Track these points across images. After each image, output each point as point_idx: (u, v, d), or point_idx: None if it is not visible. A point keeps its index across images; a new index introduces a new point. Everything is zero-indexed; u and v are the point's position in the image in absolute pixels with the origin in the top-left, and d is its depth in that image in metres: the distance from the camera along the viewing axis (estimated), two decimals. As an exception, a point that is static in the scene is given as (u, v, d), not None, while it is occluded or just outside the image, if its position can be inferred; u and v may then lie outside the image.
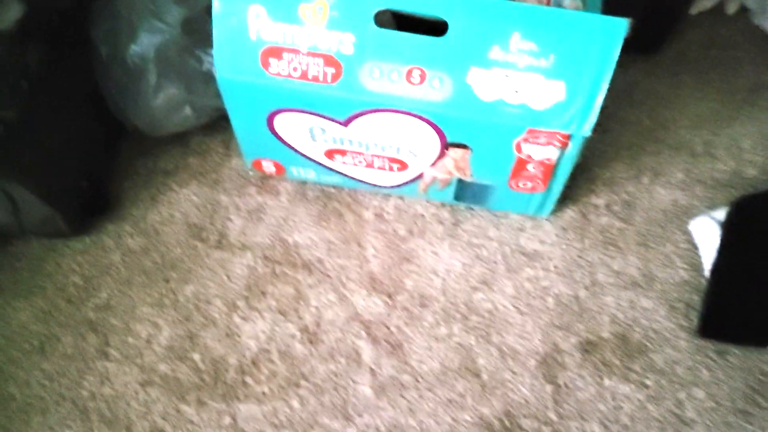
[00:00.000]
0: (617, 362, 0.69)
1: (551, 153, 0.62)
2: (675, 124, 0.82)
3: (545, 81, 0.56)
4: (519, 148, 0.62)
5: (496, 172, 0.67)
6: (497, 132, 0.60)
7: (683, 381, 0.68)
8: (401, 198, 0.77)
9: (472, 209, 0.77)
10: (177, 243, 0.75)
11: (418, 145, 0.65)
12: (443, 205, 0.77)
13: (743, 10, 0.88)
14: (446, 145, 0.64)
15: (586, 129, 0.58)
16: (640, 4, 0.77)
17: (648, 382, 0.68)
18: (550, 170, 0.65)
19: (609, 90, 0.83)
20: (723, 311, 0.69)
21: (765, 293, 0.69)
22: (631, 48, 0.84)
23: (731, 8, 0.88)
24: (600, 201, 0.78)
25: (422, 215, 0.77)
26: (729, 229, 0.71)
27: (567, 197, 0.77)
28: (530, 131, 0.60)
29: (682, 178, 0.78)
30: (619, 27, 0.54)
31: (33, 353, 0.70)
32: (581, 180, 0.78)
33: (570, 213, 0.77)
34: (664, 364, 0.69)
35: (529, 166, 0.65)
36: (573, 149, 0.62)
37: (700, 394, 0.68)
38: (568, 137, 0.59)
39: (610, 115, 0.82)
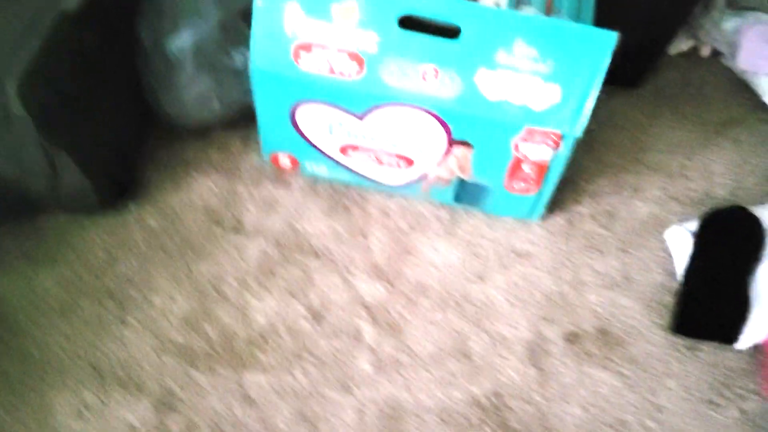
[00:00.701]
0: (597, 352, 0.75)
1: (545, 153, 0.70)
2: (653, 148, 0.90)
3: (544, 84, 0.64)
4: (516, 147, 0.70)
5: (495, 171, 0.74)
6: (498, 130, 0.68)
7: (657, 371, 0.75)
8: (404, 197, 0.84)
9: (469, 211, 0.84)
10: (195, 225, 0.81)
11: (426, 141, 0.72)
12: (443, 206, 0.84)
13: (716, 53, 0.98)
14: (451, 142, 0.72)
15: (578, 130, 0.66)
16: (624, 40, 0.87)
17: (625, 371, 0.74)
18: (543, 171, 0.73)
19: (594, 115, 0.92)
20: (694, 311, 0.76)
21: (730, 296, 0.76)
22: (614, 80, 0.94)
23: (705, 51, 0.98)
24: (585, 210, 0.85)
25: (423, 214, 0.83)
26: (700, 238, 0.79)
27: (555, 206, 0.84)
28: (528, 130, 0.67)
29: (658, 195, 0.86)
30: (610, 39, 0.63)
31: (54, 316, 0.74)
32: (568, 191, 0.86)
33: (558, 219, 0.84)
34: (640, 356, 0.75)
35: (525, 166, 0.72)
36: (564, 150, 0.69)
37: (671, 384, 0.74)
38: (561, 137, 0.67)
39: (595, 137, 0.90)
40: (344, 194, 0.84)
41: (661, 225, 0.84)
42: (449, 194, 0.81)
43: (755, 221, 0.79)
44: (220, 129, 0.86)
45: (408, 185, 0.80)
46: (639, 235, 0.83)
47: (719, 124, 0.93)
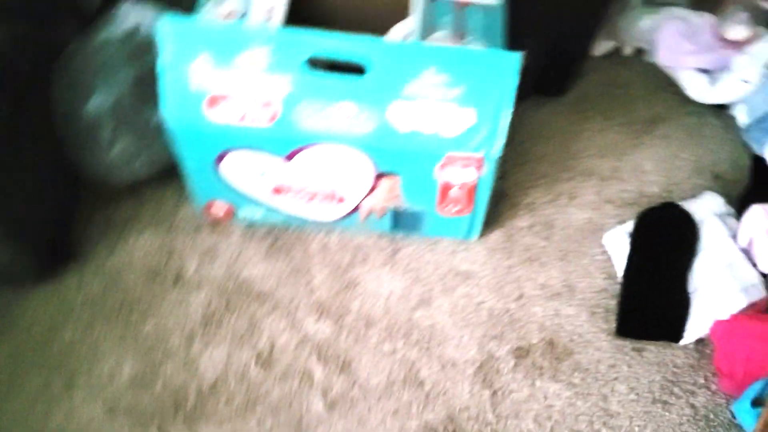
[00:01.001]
0: (547, 364, 0.76)
1: (470, 175, 0.70)
2: (584, 154, 0.92)
3: (458, 109, 0.65)
4: (441, 174, 0.71)
5: (425, 197, 0.75)
6: (419, 159, 0.69)
7: (606, 377, 0.76)
8: (343, 231, 0.84)
9: (408, 237, 0.84)
10: (136, 284, 0.80)
11: (354, 176, 0.72)
12: (382, 235, 0.84)
13: (639, 51, 1.00)
14: (378, 175, 0.72)
15: (496, 151, 0.67)
16: (542, 51, 0.89)
17: (575, 381, 0.75)
18: (472, 192, 0.74)
19: (524, 128, 0.94)
20: (636, 311, 0.77)
21: (670, 293, 0.77)
22: (540, 92, 0.96)
23: (627, 50, 1.00)
24: (523, 223, 0.86)
25: (363, 245, 0.84)
26: (636, 239, 0.80)
27: (493, 222, 0.85)
28: (448, 157, 0.68)
29: (594, 200, 0.88)
30: (514, 60, 0.64)
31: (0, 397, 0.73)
32: (504, 207, 0.87)
33: (496, 235, 0.85)
34: (589, 364, 0.76)
35: (453, 190, 0.73)
36: (488, 171, 0.70)
37: (622, 388, 0.75)
38: (482, 160, 0.68)
39: (526, 150, 0.92)
40: (283, 235, 0.84)
41: (599, 229, 0.85)
42: (386, 223, 0.81)
43: (687, 216, 0.80)
44: (152, 184, 0.86)
45: (344, 219, 0.81)
46: (578, 242, 0.84)
47: (647, 122, 0.95)
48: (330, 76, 0.65)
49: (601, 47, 1.00)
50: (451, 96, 0.64)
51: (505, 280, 0.82)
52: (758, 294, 0.75)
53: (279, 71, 0.65)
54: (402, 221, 0.81)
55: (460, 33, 0.74)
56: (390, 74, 0.65)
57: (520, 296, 0.81)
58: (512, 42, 0.78)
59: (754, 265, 0.77)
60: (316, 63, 0.66)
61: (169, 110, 0.68)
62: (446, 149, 0.67)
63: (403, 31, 0.74)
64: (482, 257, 0.83)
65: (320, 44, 0.64)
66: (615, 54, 1.01)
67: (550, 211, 0.87)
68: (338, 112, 0.66)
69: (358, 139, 0.67)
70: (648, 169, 0.90)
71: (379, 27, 0.78)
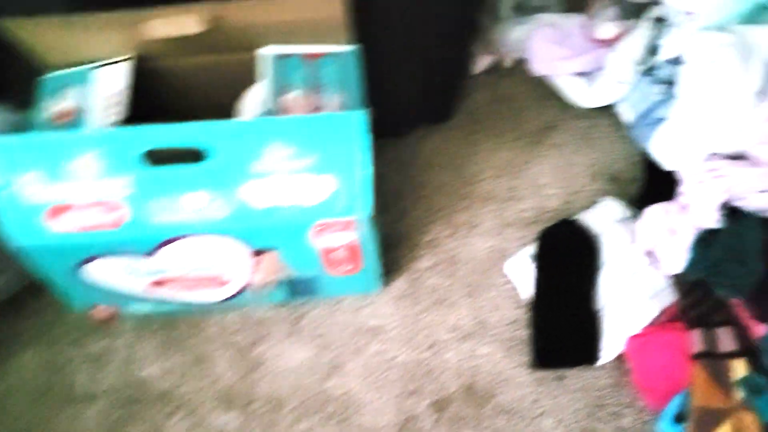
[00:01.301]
0: (469, 412, 0.73)
1: (347, 237, 0.67)
2: (479, 177, 0.89)
3: (314, 177, 0.61)
4: (317, 241, 0.67)
5: (311, 264, 0.71)
6: (286, 233, 0.65)
7: (532, 414, 0.72)
8: (241, 308, 0.80)
9: (309, 301, 0.80)
10: (24, 411, 0.75)
11: (229, 258, 0.68)
12: (282, 304, 0.80)
13: (519, 62, 0.97)
14: (256, 252, 0.68)
15: (365, 211, 0.63)
16: (416, 81, 0.85)
17: (500, 424, 0.72)
18: (356, 252, 0.70)
19: (416, 161, 0.90)
20: (548, 339, 0.74)
21: (578, 314, 0.74)
22: (426, 120, 0.93)
23: (508, 62, 0.97)
24: (425, 264, 0.83)
25: (264, 319, 0.79)
26: (538, 261, 0.77)
27: (395, 268, 0.82)
28: (317, 225, 0.64)
29: (494, 225, 0.85)
30: (360, 117, 0.60)
31: None
32: (405, 249, 0.83)
33: (401, 282, 0.81)
34: (512, 403, 0.73)
35: (336, 253, 0.69)
36: (366, 229, 0.66)
37: (548, 422, 0.72)
38: (352, 222, 0.64)
39: (422, 184, 0.88)
40: (177, 324, 0.79)
41: (503, 256, 0.82)
42: (283, 292, 0.77)
43: (583, 232, 0.78)
44: (30, 293, 0.80)
45: (236, 297, 0.76)
46: (483, 274, 0.81)
47: (537, 134, 0.92)
48: (171, 168, 0.60)
49: (481, 63, 0.97)
50: (302, 166, 0.61)
51: (416, 328, 0.78)
52: (668, 298, 0.73)
53: (116, 172, 0.60)
54: (297, 288, 0.76)
55: (315, 88, 0.70)
56: (234, 156, 0.61)
57: (433, 344, 0.77)
58: (379, 83, 0.75)
59: (660, 268, 0.75)
60: (158, 156, 0.61)
61: (11, 228, 0.62)
62: (311, 219, 0.63)
63: (254, 99, 0.70)
64: (389, 308, 0.80)
65: (153, 137, 0.60)
66: (496, 68, 0.98)
67: (452, 245, 0.84)
68: (189, 203, 0.62)
69: (217, 224, 0.63)
70: (545, 183, 0.88)
71: (233, 95, 0.74)
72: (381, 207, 0.84)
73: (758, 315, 0.67)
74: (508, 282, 0.80)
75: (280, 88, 0.70)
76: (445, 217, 0.86)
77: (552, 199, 0.86)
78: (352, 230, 0.65)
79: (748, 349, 0.66)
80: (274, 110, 0.68)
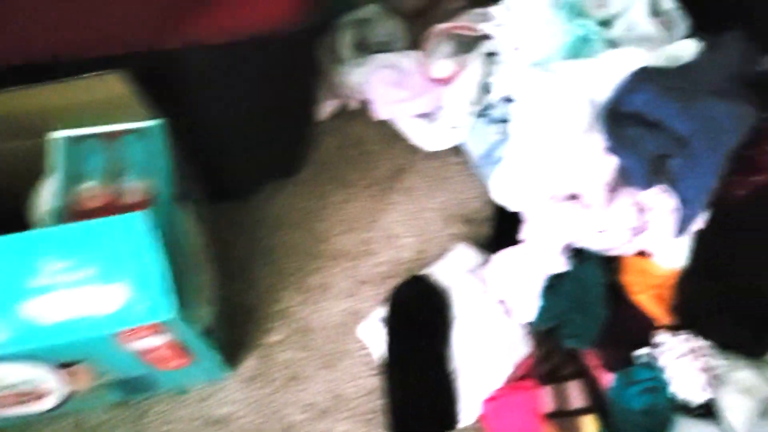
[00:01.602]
0: (329, 499, 0.68)
1: (161, 339, 0.60)
2: (331, 233, 0.84)
3: (102, 287, 0.55)
4: (129, 346, 0.60)
5: (134, 366, 0.64)
6: (88, 345, 0.58)
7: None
8: (76, 414, 0.72)
9: (151, 397, 0.73)
10: None
11: (32, 377, 0.61)
12: (121, 403, 0.73)
13: (365, 102, 0.93)
14: (63, 365, 0.61)
15: (170, 312, 0.57)
16: (254, 139, 0.80)
17: None
18: (180, 348, 0.64)
19: (264, 222, 0.84)
20: (404, 407, 0.70)
21: (432, 377, 0.70)
22: (273, 177, 0.87)
23: (353, 104, 0.93)
24: (277, 337, 0.77)
25: (103, 423, 0.72)
26: (389, 324, 0.73)
27: (244, 346, 0.76)
28: (121, 333, 0.58)
29: (348, 285, 0.80)
30: (140, 218, 0.55)
31: None
32: (254, 323, 0.78)
33: (251, 361, 0.76)
34: (374, 482, 0.69)
35: (157, 353, 0.63)
36: (181, 327, 0.60)
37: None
38: (159, 325, 0.58)
39: (270, 248, 0.83)
40: (4, 441, 0.71)
41: (359, 318, 0.77)
42: (116, 393, 0.70)
43: (434, 288, 0.74)
44: None
45: (66, 404, 0.69)
46: (338, 341, 0.77)
47: (388, 179, 0.88)
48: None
49: (326, 108, 0.92)
50: (84, 277, 0.54)
51: (268, 412, 0.73)
52: (524, 349, 0.70)
53: None
54: (131, 387, 0.70)
55: (115, 174, 0.64)
56: (5, 275, 0.54)
57: (288, 427, 0.72)
58: (207, 149, 0.70)
59: (512, 317, 0.72)
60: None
61: None
62: (110, 329, 0.56)
63: (44, 194, 0.64)
64: (239, 393, 0.74)
65: None
66: (343, 111, 0.93)
67: (304, 313, 0.79)
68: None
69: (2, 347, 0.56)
70: (399, 232, 0.84)
71: (25, 186, 0.67)
72: (227, 276, 0.79)
73: (605, 363, 0.64)
74: (364, 347, 0.76)
75: (74, 178, 0.64)
76: (296, 282, 0.81)
77: (406, 250, 0.82)
78: (163, 332, 0.59)
79: (597, 403, 0.63)
80: (63, 207, 0.61)
